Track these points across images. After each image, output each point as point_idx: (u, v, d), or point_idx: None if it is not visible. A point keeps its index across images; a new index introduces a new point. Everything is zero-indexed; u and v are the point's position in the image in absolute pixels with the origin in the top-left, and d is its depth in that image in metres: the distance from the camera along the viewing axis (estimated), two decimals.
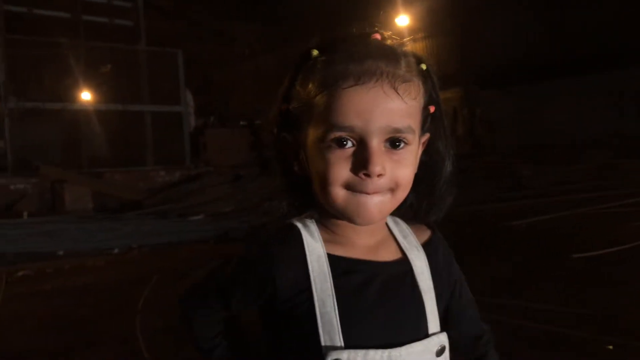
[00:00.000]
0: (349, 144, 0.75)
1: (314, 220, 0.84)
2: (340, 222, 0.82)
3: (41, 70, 9.86)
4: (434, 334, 0.82)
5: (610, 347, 2.83)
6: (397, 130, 0.75)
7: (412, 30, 18.81)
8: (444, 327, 0.86)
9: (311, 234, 0.82)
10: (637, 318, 3.24)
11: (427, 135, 0.84)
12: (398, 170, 0.76)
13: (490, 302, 3.78)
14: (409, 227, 0.88)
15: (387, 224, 0.87)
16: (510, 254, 5.31)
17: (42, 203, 8.58)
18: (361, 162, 0.74)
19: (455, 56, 18.10)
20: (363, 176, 0.75)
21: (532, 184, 9.30)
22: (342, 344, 0.76)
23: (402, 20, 18.57)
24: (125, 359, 3.32)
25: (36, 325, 4.23)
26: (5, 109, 9.01)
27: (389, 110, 0.74)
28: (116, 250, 7.20)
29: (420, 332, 0.81)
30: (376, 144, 0.74)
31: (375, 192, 0.76)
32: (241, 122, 12.97)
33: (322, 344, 0.77)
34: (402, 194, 0.79)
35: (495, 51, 15.75)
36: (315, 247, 0.81)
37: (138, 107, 11.26)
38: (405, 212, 0.87)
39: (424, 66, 0.81)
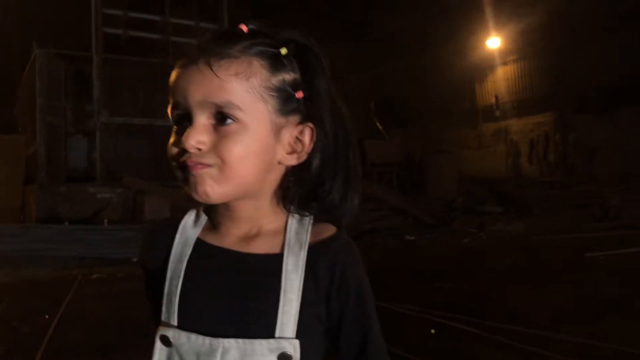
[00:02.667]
0: (185, 122, 0.78)
1: (203, 207, 0.86)
2: (217, 210, 0.84)
3: (132, 87, 10.53)
4: (281, 337, 0.76)
5: None
6: (217, 105, 0.76)
7: (504, 53, 18.35)
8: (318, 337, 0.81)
9: (195, 221, 0.86)
10: None
11: (307, 124, 0.81)
12: (222, 146, 0.76)
13: (548, 336, 3.57)
14: (311, 224, 0.83)
15: (288, 218, 0.83)
16: (581, 286, 4.97)
17: (125, 212, 9.10)
18: (183, 135, 0.77)
19: (548, 79, 17.37)
20: (182, 150, 0.78)
21: (620, 214, 8.70)
22: (176, 324, 0.79)
23: (493, 42, 18.16)
24: None
25: (95, 323, 4.48)
26: (98, 123, 9.68)
27: (203, 85, 0.76)
28: None
29: (260, 332, 0.76)
30: (200, 119, 0.77)
31: (196, 166, 0.77)
32: None
33: (162, 319, 0.81)
34: (235, 172, 0.77)
35: (591, 74, 14.95)
36: (189, 232, 0.85)
37: None
38: (289, 204, 0.84)
39: (283, 50, 0.80)
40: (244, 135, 0.77)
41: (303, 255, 0.79)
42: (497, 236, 8.15)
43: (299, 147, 0.82)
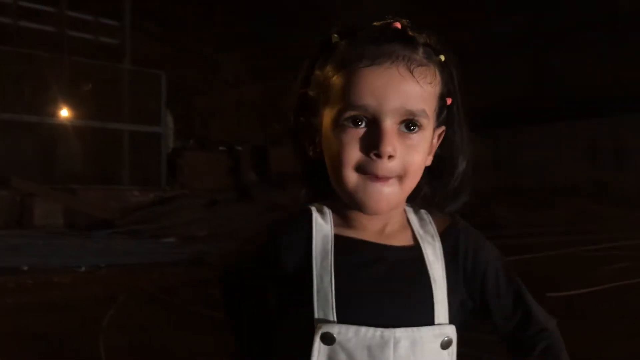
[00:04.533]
0: (363, 124, 0.76)
1: (326, 206, 0.85)
2: (349, 211, 0.84)
3: (21, 82, 9.74)
4: (440, 324, 0.78)
5: None
6: (411, 113, 0.76)
7: None
8: (471, 321, 0.85)
9: (323, 217, 0.84)
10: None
11: (442, 128, 0.85)
12: (409, 155, 0.77)
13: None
14: (429, 216, 0.86)
15: (406, 213, 0.86)
16: None
17: (9, 216, 8.35)
18: (373, 142, 0.75)
19: None
20: (374, 156, 0.75)
21: (507, 224, 9.38)
22: (335, 320, 0.77)
23: None
24: None
25: None
26: None
27: (404, 91, 0.75)
28: (84, 268, 7.01)
29: (423, 320, 0.78)
30: (389, 124, 0.75)
31: (384, 177, 0.76)
32: (220, 147, 12.95)
33: (316, 317, 0.78)
34: (410, 183, 0.79)
35: (474, 95, 16.02)
36: (323, 227, 0.82)
37: (117, 126, 11.17)
38: (420, 202, 0.88)
39: (442, 57, 0.82)
40: (423, 144, 0.79)
41: (438, 245, 0.82)
42: None
43: (431, 148, 0.85)
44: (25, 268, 6.85)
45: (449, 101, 0.84)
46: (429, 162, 0.84)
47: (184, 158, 10.99)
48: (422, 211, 0.86)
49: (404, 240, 0.83)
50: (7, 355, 3.64)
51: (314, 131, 0.83)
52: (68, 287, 6.08)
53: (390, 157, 0.75)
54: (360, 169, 0.76)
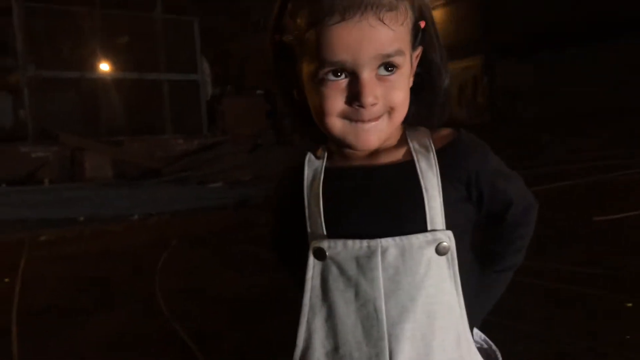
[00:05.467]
0: (343, 75, 0.77)
1: (324, 145, 0.90)
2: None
3: (59, 39, 9.87)
4: (434, 230, 0.79)
5: (630, 304, 2.80)
6: (387, 55, 0.77)
7: None
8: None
9: (317, 155, 0.89)
10: None
11: (420, 49, 0.85)
12: (391, 95, 0.79)
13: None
14: (428, 131, 0.88)
15: (404, 129, 0.88)
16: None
17: (62, 171, 8.67)
18: (354, 94, 0.77)
19: (475, 23, 17.76)
20: (357, 106, 0.78)
21: (552, 152, 9.19)
22: (326, 234, 0.82)
23: None
24: (144, 315, 3.37)
25: (57, 285, 4.32)
26: (24, 78, 9.06)
27: (377, 40, 0.76)
28: (136, 217, 7.29)
29: (414, 228, 0.79)
30: (367, 74, 0.77)
31: (371, 120, 0.79)
32: (258, 91, 12.94)
33: (310, 237, 0.84)
34: (398, 115, 0.82)
35: (517, 18, 15.39)
36: (315, 163, 0.88)
37: (155, 76, 11.26)
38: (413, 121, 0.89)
39: None
40: (403, 80, 0.80)
41: (433, 156, 0.83)
42: None
43: (412, 70, 0.85)
44: (82, 219, 7.18)
45: (422, 24, 0.83)
46: (410, 84, 0.85)
47: (223, 104, 11.05)
48: (422, 127, 0.88)
49: (397, 155, 0.85)
50: (68, 298, 3.88)
51: (294, 77, 0.84)
52: (122, 235, 6.37)
53: (373, 104, 0.78)
54: (345, 117, 0.79)
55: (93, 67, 10.37)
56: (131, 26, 10.96)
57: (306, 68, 0.80)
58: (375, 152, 0.85)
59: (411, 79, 0.85)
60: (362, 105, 0.77)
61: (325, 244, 0.80)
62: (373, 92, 0.77)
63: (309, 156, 0.89)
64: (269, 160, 9.71)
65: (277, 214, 0.96)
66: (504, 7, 15.79)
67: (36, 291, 4.08)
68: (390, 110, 0.80)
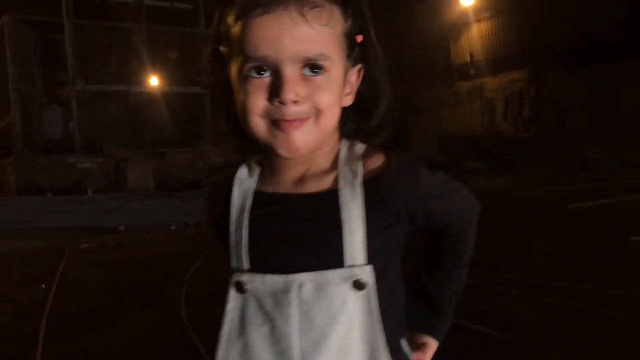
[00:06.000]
0: (267, 73, 0.76)
1: (258, 159, 0.87)
2: (272, 160, 0.84)
3: (107, 53, 10.25)
4: (352, 266, 0.77)
5: None
6: (308, 59, 0.75)
7: (478, 10, 18.30)
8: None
9: (250, 172, 0.87)
10: None
11: (359, 66, 0.84)
12: (317, 96, 0.76)
13: (540, 282, 3.68)
14: (363, 151, 0.84)
15: (340, 149, 0.85)
16: (566, 236, 5.11)
17: (106, 181, 8.97)
18: (275, 90, 0.75)
19: (522, 36, 17.44)
20: (278, 104, 0.75)
21: (598, 166, 8.90)
22: (248, 269, 0.81)
23: None
24: (168, 321, 3.45)
25: (94, 289, 4.49)
26: (74, 92, 9.44)
27: (298, 37, 0.74)
28: (174, 226, 7.45)
29: (331, 263, 0.77)
30: (290, 71, 0.75)
31: (294, 120, 0.76)
32: None
33: (232, 266, 0.83)
34: (326, 121, 0.78)
35: (564, 30, 15.03)
36: (246, 183, 0.86)
37: (197, 90, 11.53)
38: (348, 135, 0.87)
39: None
40: (332, 84, 0.77)
41: (359, 183, 0.80)
42: (482, 191, 8.27)
43: (350, 87, 0.83)
44: (122, 228, 7.40)
45: (359, 38, 0.81)
46: (349, 102, 0.83)
47: None
48: (359, 146, 0.85)
49: (323, 184, 0.82)
50: (97, 304, 4.00)
51: (230, 85, 0.82)
52: (159, 244, 6.52)
53: (295, 102, 0.75)
54: (268, 116, 0.77)
55: (138, 81, 10.71)
56: (175, 41, 11.27)
57: (234, 68, 0.78)
58: (305, 178, 0.83)
59: (350, 97, 0.84)
60: (282, 102, 0.74)
61: (244, 278, 0.80)
62: (294, 88, 0.74)
63: (241, 172, 0.87)
64: None
65: (212, 232, 0.93)
66: (552, 19, 15.45)
67: (69, 296, 4.23)
68: (317, 113, 0.77)
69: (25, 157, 8.91)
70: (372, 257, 0.78)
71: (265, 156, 0.85)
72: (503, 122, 17.72)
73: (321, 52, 0.75)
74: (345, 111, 0.84)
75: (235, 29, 0.76)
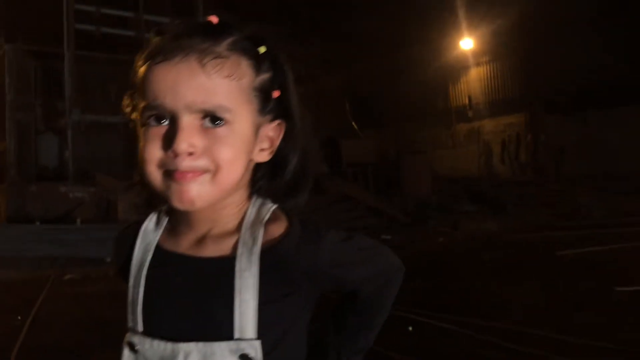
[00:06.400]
0: (166, 121, 0.74)
1: (165, 209, 0.84)
2: (178, 213, 0.81)
3: (105, 85, 10.37)
4: (240, 339, 0.75)
5: None
6: (206, 110, 0.72)
7: (477, 54, 18.58)
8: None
9: (156, 225, 0.85)
10: None
11: (277, 122, 0.81)
12: (217, 149, 0.73)
13: (520, 331, 3.64)
14: (270, 215, 0.80)
15: (248, 209, 0.82)
16: (550, 283, 5.08)
17: (98, 211, 8.95)
18: (170, 140, 0.72)
19: (520, 80, 17.66)
20: (172, 155, 0.72)
21: (590, 213, 8.90)
22: (141, 330, 0.79)
23: (467, 43, 18.38)
24: None
25: (66, 324, 4.40)
26: (70, 121, 9.51)
27: (194, 86, 0.72)
28: None
29: (220, 334, 0.75)
30: (187, 120, 0.72)
31: (189, 172, 0.73)
32: None
33: (128, 325, 0.81)
34: (226, 178, 0.75)
35: (562, 76, 15.23)
36: (150, 238, 0.84)
37: None
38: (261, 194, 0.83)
39: (262, 49, 0.78)
40: (234, 137, 0.75)
41: (257, 251, 0.77)
42: (472, 234, 8.25)
43: (269, 143, 0.81)
44: (108, 260, 7.33)
45: (275, 94, 0.79)
46: (265, 157, 0.81)
47: None
48: (267, 208, 0.81)
49: (223, 248, 0.79)
50: (72, 339, 3.93)
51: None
52: None
53: (190, 153, 0.72)
54: (163, 166, 0.74)
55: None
56: None
57: (138, 113, 0.76)
58: (206, 239, 0.80)
59: (268, 151, 0.81)
60: (175, 152, 0.71)
61: (135, 339, 0.79)
62: (189, 139, 0.71)
63: (148, 223, 0.85)
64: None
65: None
66: (549, 65, 15.67)
67: (43, 330, 4.16)
68: (214, 169, 0.73)
69: (17, 185, 8.92)
70: (265, 329, 0.76)
71: (171, 209, 0.82)
72: (500, 164, 17.81)
73: (219, 104, 0.73)
74: (260, 167, 0.82)
75: (140, 75, 0.76)
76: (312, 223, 0.81)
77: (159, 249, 0.83)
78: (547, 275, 5.43)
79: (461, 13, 16.55)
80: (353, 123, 16.84)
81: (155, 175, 0.75)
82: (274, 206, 0.82)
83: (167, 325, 0.78)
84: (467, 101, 19.08)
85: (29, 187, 8.88)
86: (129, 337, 0.80)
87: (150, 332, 0.79)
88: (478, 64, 19.02)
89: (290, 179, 0.82)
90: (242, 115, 0.75)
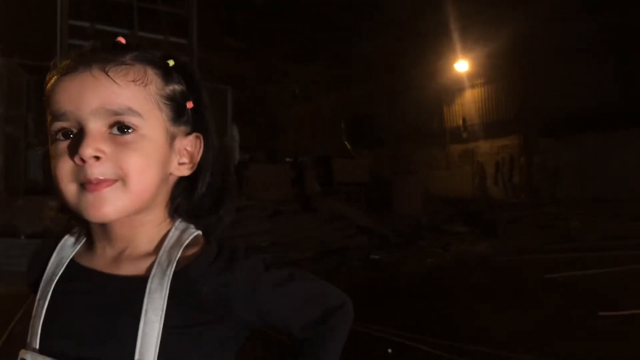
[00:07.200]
0: (73, 135, 0.74)
1: (82, 229, 0.83)
2: (94, 229, 0.80)
3: None
4: None
5: None
6: (115, 112, 0.72)
7: (472, 76, 18.69)
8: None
9: (74, 241, 0.83)
10: None
11: (195, 134, 0.81)
12: (124, 156, 0.72)
13: (505, 356, 3.59)
14: (191, 238, 0.78)
15: (170, 231, 0.79)
16: (537, 307, 5.03)
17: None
18: (76, 147, 0.72)
19: (514, 103, 17.74)
20: (79, 161, 0.71)
21: (581, 237, 8.87)
22: (37, 347, 0.76)
23: (462, 65, 18.49)
24: None
25: None
26: None
27: (99, 91, 0.73)
28: None
29: (122, 356, 0.72)
30: (94, 127, 0.72)
31: (99, 180, 0.72)
32: (287, 159, 13.13)
33: (27, 341, 0.78)
34: (137, 186, 0.74)
35: (556, 99, 15.32)
36: (65, 252, 0.82)
37: None
38: (175, 213, 0.81)
39: (170, 62, 0.80)
40: (144, 144, 0.74)
41: (169, 273, 0.74)
42: (462, 256, 8.21)
43: (188, 157, 0.80)
44: None
45: (189, 105, 0.79)
46: (185, 172, 0.80)
47: (250, 170, 11.22)
48: (190, 232, 0.79)
49: (138, 268, 0.76)
50: None
51: None
52: None
53: (97, 158, 0.71)
54: (76, 179, 0.73)
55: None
56: None
57: (48, 131, 0.76)
58: (122, 258, 0.78)
59: (187, 166, 0.80)
60: (82, 157, 0.70)
61: (28, 357, 0.76)
62: (96, 144, 0.71)
63: (67, 239, 0.83)
64: (289, 227, 9.70)
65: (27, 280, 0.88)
66: (543, 88, 15.76)
67: (16, 350, 4.07)
68: (124, 177, 0.72)
69: (4, 199, 8.85)
70: (168, 356, 0.72)
71: (89, 227, 0.81)
72: (494, 186, 17.81)
73: (126, 106, 0.73)
74: (178, 185, 0.81)
75: (47, 90, 0.77)
76: (231, 247, 0.78)
77: (73, 263, 0.81)
78: (534, 299, 5.38)
79: (456, 36, 16.68)
80: (346, 142, 16.87)
81: (68, 189, 0.73)
82: (197, 232, 0.79)
83: (66, 343, 0.75)
84: (461, 122, 19.16)
85: (16, 201, 8.81)
86: (22, 354, 0.77)
87: (47, 349, 0.75)
88: (473, 86, 19.14)
89: (208, 195, 0.81)
90: (151, 121, 0.75)
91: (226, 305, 0.75)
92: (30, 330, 0.79)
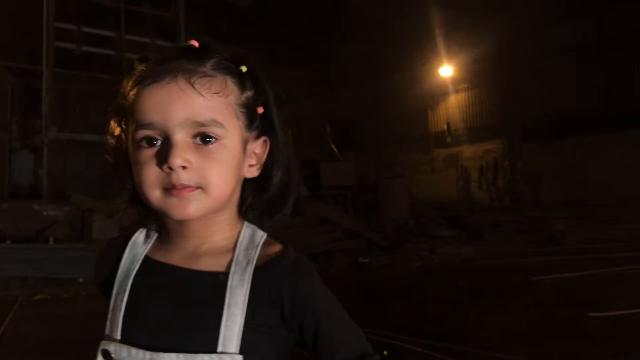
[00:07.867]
0: (158, 142, 0.77)
1: (155, 226, 0.87)
2: (170, 226, 0.84)
3: (83, 103, 10.29)
4: (223, 352, 0.75)
5: None
6: (200, 124, 0.76)
7: (456, 81, 18.86)
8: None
9: (146, 237, 0.87)
10: None
11: (264, 138, 0.86)
12: (208, 165, 0.77)
13: (494, 356, 3.64)
14: (263, 240, 0.84)
15: (241, 232, 0.84)
16: (525, 309, 5.09)
17: (72, 231, 8.80)
18: (164, 156, 0.76)
19: (498, 108, 17.93)
20: (167, 170, 0.76)
21: (565, 240, 8.99)
22: (119, 338, 0.79)
23: (446, 70, 18.66)
24: None
25: (34, 347, 4.28)
26: (46, 139, 9.39)
27: (185, 103, 0.76)
28: None
29: (203, 347, 0.76)
30: (180, 137, 0.76)
31: (183, 186, 0.76)
32: None
33: (105, 332, 0.81)
34: (218, 192, 0.79)
35: (540, 104, 15.51)
36: (138, 248, 0.86)
37: None
38: (251, 216, 0.87)
39: (244, 68, 0.83)
40: (225, 153, 0.78)
41: (250, 270, 0.79)
42: (449, 259, 8.28)
43: (256, 159, 0.85)
44: (81, 280, 7.18)
45: (260, 110, 0.84)
46: (254, 173, 0.85)
47: None
48: (260, 234, 0.84)
49: (216, 264, 0.81)
50: None
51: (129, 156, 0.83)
52: None
53: (184, 168, 0.75)
54: (161, 184, 0.77)
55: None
56: None
57: (130, 138, 0.80)
58: (198, 253, 0.82)
59: (256, 167, 0.85)
60: (170, 167, 0.75)
61: (111, 348, 0.78)
62: (183, 154, 0.75)
63: (137, 236, 0.87)
64: (277, 229, 9.67)
65: (95, 279, 0.92)
66: (527, 93, 15.95)
67: (9, 352, 4.04)
68: (205, 184, 0.77)
69: None
70: (247, 349, 0.76)
71: (163, 224, 0.85)
72: (478, 190, 17.97)
73: (212, 118, 0.77)
74: (246, 185, 0.85)
75: (130, 98, 0.79)
76: (304, 256, 0.84)
77: (147, 259, 0.84)
78: (522, 301, 5.45)
79: (440, 41, 16.83)
80: (333, 146, 16.91)
81: (154, 194, 0.78)
82: (265, 234, 0.85)
83: (147, 334, 0.78)
84: (445, 127, 19.30)
85: (1, 204, 8.71)
86: (104, 345, 0.79)
87: (129, 340, 0.78)
88: (457, 91, 19.28)
89: (276, 194, 0.86)
90: (231, 131, 0.79)
91: (295, 311, 0.79)
92: (108, 323, 0.81)
